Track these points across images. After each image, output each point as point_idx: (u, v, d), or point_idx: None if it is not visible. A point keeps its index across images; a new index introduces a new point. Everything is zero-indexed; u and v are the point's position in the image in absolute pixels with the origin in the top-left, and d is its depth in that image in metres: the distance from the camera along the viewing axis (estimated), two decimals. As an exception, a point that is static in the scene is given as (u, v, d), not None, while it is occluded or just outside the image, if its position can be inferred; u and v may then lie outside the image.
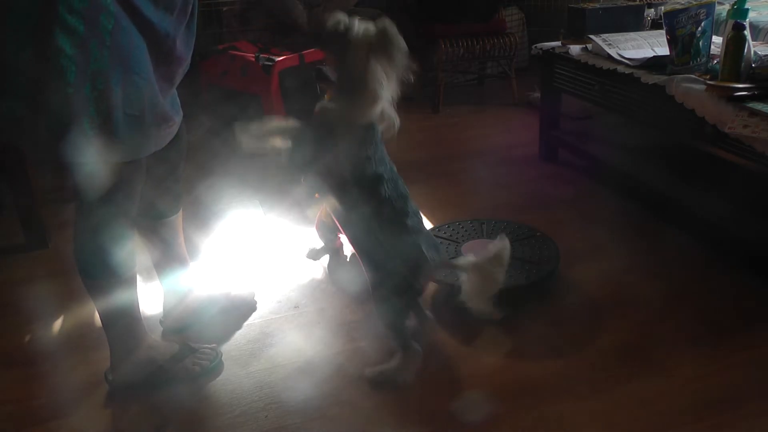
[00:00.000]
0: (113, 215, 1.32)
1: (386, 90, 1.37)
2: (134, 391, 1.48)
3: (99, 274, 1.36)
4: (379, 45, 1.34)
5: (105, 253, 1.34)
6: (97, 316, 1.79)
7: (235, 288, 1.86)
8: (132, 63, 1.18)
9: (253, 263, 2.07)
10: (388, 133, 1.46)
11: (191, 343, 1.57)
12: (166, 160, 1.49)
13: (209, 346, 1.59)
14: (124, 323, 1.45)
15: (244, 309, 1.80)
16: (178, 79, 1.37)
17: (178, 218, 1.64)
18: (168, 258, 1.66)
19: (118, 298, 1.40)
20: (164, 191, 1.56)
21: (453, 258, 1.58)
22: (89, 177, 1.24)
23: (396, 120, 1.45)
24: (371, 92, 1.35)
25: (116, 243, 1.35)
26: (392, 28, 1.34)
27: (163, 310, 1.72)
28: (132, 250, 1.40)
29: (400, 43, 1.34)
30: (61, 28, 1.08)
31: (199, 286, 1.75)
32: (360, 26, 1.35)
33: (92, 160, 1.21)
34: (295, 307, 1.83)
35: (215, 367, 1.56)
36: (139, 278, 1.45)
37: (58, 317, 1.80)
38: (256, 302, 1.83)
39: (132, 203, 1.36)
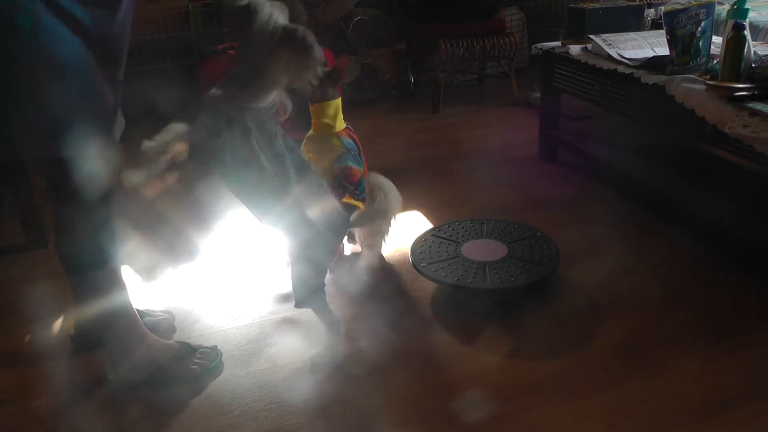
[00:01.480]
0: (86, 208, 1.33)
1: (285, 76, 1.36)
2: (134, 391, 1.48)
3: (88, 266, 1.36)
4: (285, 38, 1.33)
5: (89, 243, 1.35)
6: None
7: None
8: (62, 60, 1.16)
9: (253, 263, 2.06)
10: (280, 116, 1.48)
11: (191, 343, 1.57)
12: None
13: (209, 346, 1.59)
14: (123, 323, 1.45)
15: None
16: (121, 72, 1.33)
17: None
18: None
19: (115, 297, 1.40)
20: None
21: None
22: (54, 174, 1.26)
23: (289, 104, 1.47)
24: (271, 77, 1.35)
25: (98, 233, 1.36)
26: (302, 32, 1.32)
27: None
28: (116, 241, 1.41)
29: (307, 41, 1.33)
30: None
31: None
32: (268, 13, 1.32)
33: (43, 156, 1.22)
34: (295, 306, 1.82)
35: (215, 367, 1.56)
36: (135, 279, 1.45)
37: (58, 317, 1.80)
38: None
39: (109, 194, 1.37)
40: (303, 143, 1.95)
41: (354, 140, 1.97)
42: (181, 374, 1.51)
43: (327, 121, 1.91)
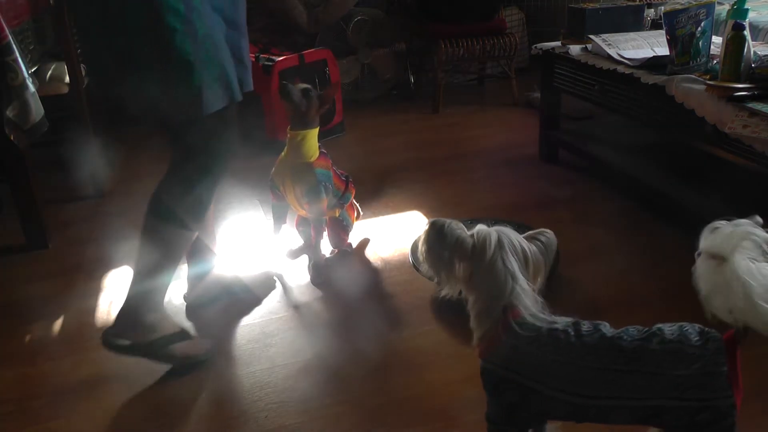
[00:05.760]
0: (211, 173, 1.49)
1: None
2: (134, 390, 1.48)
3: (189, 223, 1.50)
4: None
5: (202, 205, 1.51)
6: (97, 315, 1.80)
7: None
8: (216, 24, 1.39)
9: (253, 263, 2.06)
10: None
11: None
12: None
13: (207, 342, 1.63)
14: (161, 282, 1.51)
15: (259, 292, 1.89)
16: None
17: None
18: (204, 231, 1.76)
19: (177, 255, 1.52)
20: None
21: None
22: (210, 130, 1.46)
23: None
24: None
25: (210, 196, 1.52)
26: None
27: (188, 284, 1.84)
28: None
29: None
30: (167, 11, 1.27)
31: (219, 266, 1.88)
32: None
33: (219, 107, 1.44)
34: (295, 307, 1.83)
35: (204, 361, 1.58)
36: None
37: (58, 317, 1.80)
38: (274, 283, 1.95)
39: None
40: (274, 167, 1.94)
41: (328, 168, 1.93)
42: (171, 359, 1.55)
43: (304, 149, 1.87)
